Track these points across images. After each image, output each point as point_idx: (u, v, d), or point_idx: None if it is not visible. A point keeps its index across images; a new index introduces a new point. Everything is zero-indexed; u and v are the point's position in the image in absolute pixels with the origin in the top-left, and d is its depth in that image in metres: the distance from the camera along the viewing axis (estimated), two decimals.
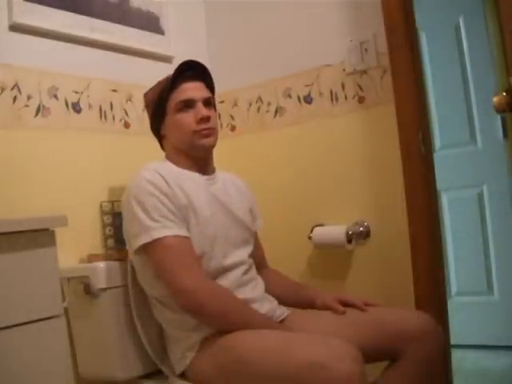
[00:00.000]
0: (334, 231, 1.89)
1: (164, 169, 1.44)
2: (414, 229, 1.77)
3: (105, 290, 1.49)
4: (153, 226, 1.33)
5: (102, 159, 1.80)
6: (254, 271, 1.53)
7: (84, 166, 1.74)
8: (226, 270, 1.43)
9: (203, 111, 1.46)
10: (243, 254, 1.51)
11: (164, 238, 1.33)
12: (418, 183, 1.78)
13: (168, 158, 1.53)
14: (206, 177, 1.51)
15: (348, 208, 1.95)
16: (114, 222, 1.75)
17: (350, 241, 1.86)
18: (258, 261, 1.62)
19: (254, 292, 1.46)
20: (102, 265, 1.52)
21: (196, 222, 1.40)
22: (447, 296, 1.85)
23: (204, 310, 1.31)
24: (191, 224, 1.39)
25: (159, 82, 1.54)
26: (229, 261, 1.44)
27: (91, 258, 1.63)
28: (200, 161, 1.51)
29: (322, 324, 1.42)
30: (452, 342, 1.82)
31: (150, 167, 1.43)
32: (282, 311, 1.51)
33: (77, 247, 1.66)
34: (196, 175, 1.49)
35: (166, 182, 1.39)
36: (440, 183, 1.98)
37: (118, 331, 1.51)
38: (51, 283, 1.19)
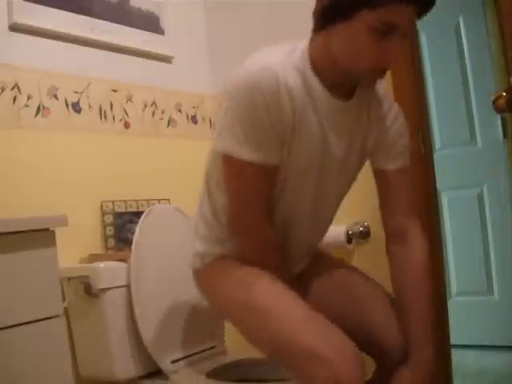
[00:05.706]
0: (334, 231, 1.88)
1: (293, 73, 1.14)
2: None
3: (105, 290, 1.50)
4: (240, 140, 1.12)
5: (102, 159, 1.80)
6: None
7: (84, 165, 1.74)
8: (291, 225, 1.28)
9: (396, 50, 1.09)
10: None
11: (244, 160, 1.12)
12: (418, 183, 1.78)
13: (311, 54, 1.17)
14: (339, 101, 1.19)
15: (348, 208, 1.94)
16: (115, 221, 1.75)
17: (349, 241, 1.86)
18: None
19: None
20: (102, 265, 1.52)
21: (295, 149, 1.16)
22: (447, 296, 1.85)
23: (240, 240, 1.23)
24: (291, 148, 1.16)
25: None
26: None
27: (91, 258, 1.63)
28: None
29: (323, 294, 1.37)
30: (452, 342, 1.82)
31: (275, 66, 1.12)
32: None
33: (77, 247, 1.66)
34: (329, 95, 1.17)
35: (279, 98, 1.10)
36: (440, 183, 1.99)
37: (118, 331, 1.51)
38: (51, 283, 1.19)
